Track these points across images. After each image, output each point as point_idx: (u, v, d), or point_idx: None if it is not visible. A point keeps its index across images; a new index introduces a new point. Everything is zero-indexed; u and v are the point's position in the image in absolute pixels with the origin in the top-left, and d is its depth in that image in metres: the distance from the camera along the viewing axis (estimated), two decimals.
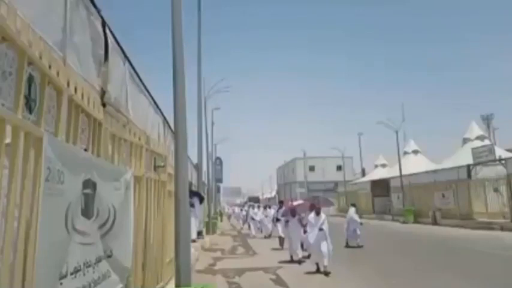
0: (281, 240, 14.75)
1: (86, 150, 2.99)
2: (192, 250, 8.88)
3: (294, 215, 11.91)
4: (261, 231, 21.55)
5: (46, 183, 2.11)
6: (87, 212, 2.83)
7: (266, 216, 21.02)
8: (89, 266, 2.82)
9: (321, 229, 9.42)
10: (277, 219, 15.47)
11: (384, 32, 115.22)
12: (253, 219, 23.15)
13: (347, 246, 14.45)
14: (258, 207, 26.00)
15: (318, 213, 9.78)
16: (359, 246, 14.27)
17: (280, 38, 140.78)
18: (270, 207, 22.48)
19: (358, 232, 14.61)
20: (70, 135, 2.63)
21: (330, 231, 9.68)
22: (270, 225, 19.62)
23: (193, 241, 13.08)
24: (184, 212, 4.91)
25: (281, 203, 17.76)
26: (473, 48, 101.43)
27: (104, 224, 3.20)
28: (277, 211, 16.24)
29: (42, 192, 2.08)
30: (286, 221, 12.30)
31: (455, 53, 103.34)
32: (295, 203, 13.86)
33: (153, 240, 5.07)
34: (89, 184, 2.86)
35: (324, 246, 9.23)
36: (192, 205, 13.61)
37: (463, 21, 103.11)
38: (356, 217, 14.90)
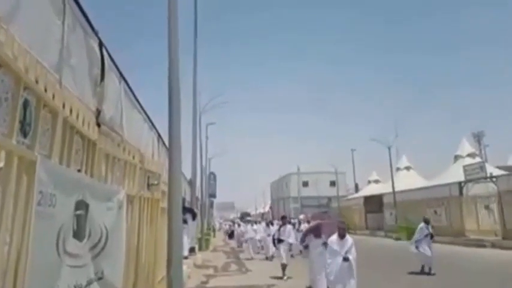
0: (284, 267, 11.76)
1: (79, 171, 2.98)
2: (184, 267, 8.78)
3: (318, 236, 8.69)
4: (260, 250, 19.07)
5: (38, 207, 2.10)
6: (79, 234, 2.81)
7: (269, 235, 17.52)
8: None
9: (345, 258, 6.78)
10: (280, 240, 12.37)
11: (377, 46, 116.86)
12: (251, 238, 20.14)
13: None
14: (256, 223, 22.81)
15: (342, 236, 7.02)
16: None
17: (274, 52, 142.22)
18: (272, 224, 19.50)
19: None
20: (64, 156, 2.63)
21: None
22: (271, 246, 16.52)
23: (185, 258, 12.94)
24: (177, 229, 4.89)
25: (284, 218, 13.74)
26: (466, 66, 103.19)
27: (95, 245, 3.18)
28: (279, 230, 12.96)
29: (34, 216, 2.07)
30: (306, 246, 9.16)
31: (448, 70, 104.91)
32: (314, 221, 10.04)
33: (145, 259, 5.02)
34: (82, 205, 2.85)
35: (352, 286, 6.73)
36: (185, 221, 13.51)
37: (456, 37, 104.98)
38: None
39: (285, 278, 11.39)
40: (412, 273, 11.84)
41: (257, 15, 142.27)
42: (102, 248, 3.28)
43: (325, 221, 9.06)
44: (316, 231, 8.83)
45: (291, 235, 12.68)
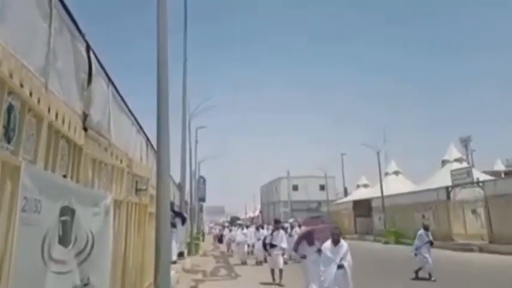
0: (274, 273, 11.54)
1: (65, 176, 2.94)
2: (172, 272, 8.71)
3: (311, 243, 8.17)
4: (250, 256, 18.69)
5: (22, 214, 2.07)
6: (64, 240, 2.78)
7: (259, 240, 17.38)
8: None
9: (340, 266, 6.46)
10: (272, 245, 11.95)
11: (368, 50, 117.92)
12: (241, 242, 19.23)
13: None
14: (248, 227, 22.28)
15: (336, 242, 6.69)
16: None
17: (266, 53, 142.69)
18: (263, 228, 19.30)
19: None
20: (49, 162, 2.59)
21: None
22: (262, 251, 16.14)
23: (174, 262, 12.85)
24: (165, 234, 4.85)
25: (277, 222, 13.32)
26: (454, 71, 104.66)
27: (81, 251, 3.14)
28: (272, 234, 12.54)
29: (18, 222, 2.04)
30: (304, 256, 8.48)
31: (436, 75, 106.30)
32: (305, 227, 9.45)
33: (132, 265, 4.96)
34: (67, 211, 2.81)
35: None
36: (173, 225, 13.43)
37: (447, 42, 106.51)
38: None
39: (276, 282, 11.24)
40: (413, 279, 11.76)
41: (250, 17, 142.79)
42: (88, 254, 3.24)
43: (317, 226, 8.48)
44: (309, 238, 8.30)
45: (283, 240, 12.42)
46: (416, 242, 12.44)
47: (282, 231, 12.92)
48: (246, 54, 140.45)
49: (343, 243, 6.73)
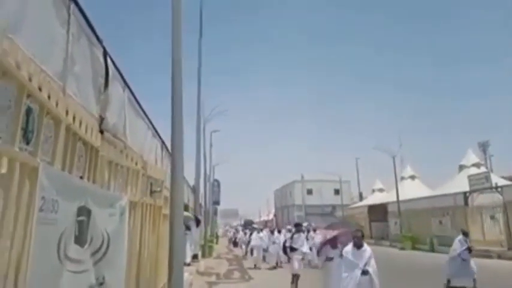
0: (295, 278, 10.88)
1: (81, 177, 3.02)
2: (186, 274, 8.77)
3: (335, 247, 7.92)
4: (265, 260, 18.16)
5: (40, 213, 2.13)
6: (80, 240, 2.84)
7: (274, 243, 17.13)
8: None
9: (365, 272, 6.00)
10: (292, 249, 11.39)
11: (383, 53, 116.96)
12: (257, 246, 18.74)
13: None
14: (262, 230, 21.50)
15: (358, 246, 6.27)
16: None
17: (278, 60, 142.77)
18: (279, 232, 19.03)
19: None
20: (66, 163, 2.67)
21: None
22: (277, 254, 16.57)
23: (188, 265, 12.94)
24: (178, 236, 4.90)
25: (298, 226, 12.72)
26: (473, 76, 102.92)
27: (97, 251, 3.20)
28: (292, 237, 11.97)
29: (36, 221, 2.11)
30: (330, 258, 8.13)
31: (454, 79, 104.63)
32: (325, 230, 9.34)
33: (146, 266, 5.03)
34: (84, 211, 2.88)
35: None
36: (188, 228, 13.53)
37: (463, 47, 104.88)
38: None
39: None
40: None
41: (262, 21, 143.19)
42: (104, 254, 3.31)
43: (340, 230, 8.23)
44: (333, 242, 8.02)
45: (304, 244, 12.01)
46: (454, 248, 11.46)
47: (302, 235, 12.52)
48: (256, 56, 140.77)
49: (367, 248, 6.26)
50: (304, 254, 11.95)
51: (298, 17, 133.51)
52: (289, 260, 12.07)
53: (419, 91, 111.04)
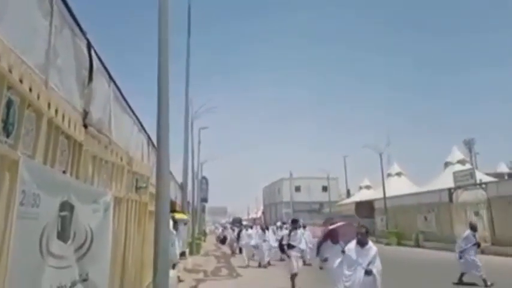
0: (294, 276, 10.39)
1: (64, 172, 2.97)
2: (173, 272, 8.73)
3: (335, 241, 7.25)
4: (254, 258, 17.52)
5: (20, 207, 2.09)
6: (63, 235, 2.80)
7: (264, 241, 16.67)
8: None
9: (368, 272, 5.58)
10: (290, 246, 10.81)
11: (370, 52, 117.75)
12: (246, 243, 18.28)
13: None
14: (252, 227, 20.96)
15: (363, 244, 5.80)
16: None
17: (266, 58, 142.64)
18: (266, 229, 18.58)
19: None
20: (48, 157, 2.62)
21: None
22: (267, 253, 16.29)
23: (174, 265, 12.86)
24: (164, 233, 4.85)
25: (295, 222, 12.13)
26: (458, 73, 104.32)
27: (80, 247, 3.16)
28: (289, 234, 11.28)
29: (16, 215, 2.07)
30: (325, 259, 7.67)
31: (440, 78, 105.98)
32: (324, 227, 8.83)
33: (131, 262, 4.99)
34: (66, 206, 2.84)
35: None
36: (176, 226, 13.44)
37: (452, 48, 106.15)
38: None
39: None
40: (455, 284, 10.82)
41: (254, 20, 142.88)
42: (88, 250, 3.27)
43: (344, 222, 7.65)
44: (333, 235, 7.34)
45: (302, 241, 11.67)
46: (462, 243, 11.10)
47: (299, 232, 11.94)
48: (249, 56, 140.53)
49: (371, 245, 5.83)
50: (302, 251, 11.68)
51: (289, 16, 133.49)
52: (285, 255, 11.56)
53: (409, 91, 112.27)
